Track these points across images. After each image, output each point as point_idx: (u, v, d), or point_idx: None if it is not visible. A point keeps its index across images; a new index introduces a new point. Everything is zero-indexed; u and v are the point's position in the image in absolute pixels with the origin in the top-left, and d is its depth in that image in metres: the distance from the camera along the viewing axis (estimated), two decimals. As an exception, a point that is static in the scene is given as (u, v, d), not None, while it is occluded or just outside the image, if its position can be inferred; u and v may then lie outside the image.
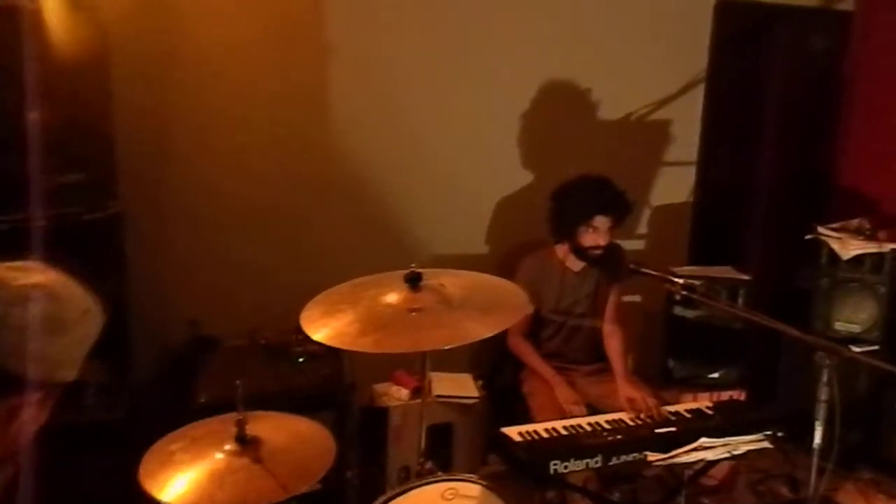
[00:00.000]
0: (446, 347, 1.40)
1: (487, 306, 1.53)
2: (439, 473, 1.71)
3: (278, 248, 2.99)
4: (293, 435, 1.56)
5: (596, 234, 2.72)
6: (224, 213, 2.93)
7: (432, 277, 1.57)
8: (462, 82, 3.17)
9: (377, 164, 3.09)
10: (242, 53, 2.86)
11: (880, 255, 3.17)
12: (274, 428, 1.58)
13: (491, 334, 1.48)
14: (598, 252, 2.75)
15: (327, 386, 2.67)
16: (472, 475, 1.66)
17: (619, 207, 2.73)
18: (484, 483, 1.62)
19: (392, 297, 1.54)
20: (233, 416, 1.52)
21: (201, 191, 2.89)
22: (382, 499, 1.58)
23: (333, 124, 3.02)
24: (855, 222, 3.31)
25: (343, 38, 2.96)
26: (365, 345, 1.40)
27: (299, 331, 2.78)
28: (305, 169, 3.01)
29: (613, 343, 2.92)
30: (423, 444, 1.78)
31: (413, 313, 1.47)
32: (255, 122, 2.92)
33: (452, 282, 1.58)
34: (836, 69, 3.68)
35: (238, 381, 1.51)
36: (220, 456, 1.49)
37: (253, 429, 1.55)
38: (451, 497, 1.53)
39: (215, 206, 2.92)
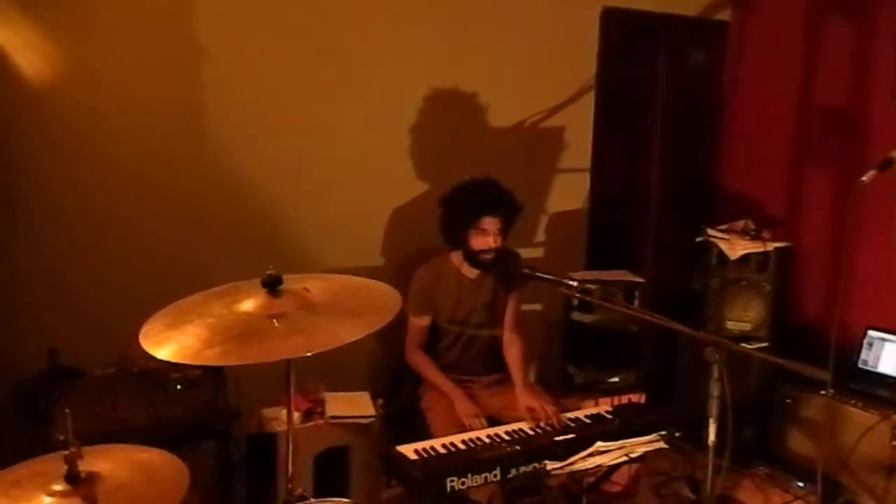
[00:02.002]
0: (308, 354, 1.26)
1: (355, 309, 1.40)
2: (310, 500, 1.55)
3: (150, 267, 2.74)
4: (139, 469, 1.37)
5: (485, 237, 2.66)
6: (87, 229, 2.66)
7: (296, 282, 1.43)
8: (348, 89, 3.04)
9: (259, 177, 2.90)
10: (107, 55, 2.63)
11: (765, 253, 3.28)
12: (116, 462, 1.38)
13: (358, 337, 1.34)
14: (489, 256, 2.69)
15: (207, 414, 2.45)
16: (344, 499, 1.51)
17: (507, 207, 2.69)
18: (357, 507, 1.47)
19: (248, 305, 1.38)
20: (63, 454, 1.31)
21: (58, 206, 2.61)
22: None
23: (210, 134, 2.81)
24: (740, 223, 3.42)
25: (217, 40, 2.77)
26: (209, 357, 1.24)
27: (176, 355, 2.61)
28: (178, 181, 2.79)
29: (513, 352, 2.84)
30: (290, 469, 1.61)
31: (273, 320, 1.32)
32: (119, 129, 2.67)
33: (318, 286, 1.44)
34: (717, 77, 3.81)
35: (67, 410, 1.30)
36: (48, 500, 1.28)
37: (90, 465, 1.35)
38: (320, 525, 1.38)
39: (76, 222, 2.65)
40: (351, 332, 1.33)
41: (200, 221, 2.84)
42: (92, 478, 1.31)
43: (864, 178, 1.70)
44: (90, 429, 2.25)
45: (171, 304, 1.47)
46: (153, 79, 2.70)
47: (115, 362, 2.57)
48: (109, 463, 1.39)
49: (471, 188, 2.69)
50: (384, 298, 1.50)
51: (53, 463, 1.35)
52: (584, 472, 2.45)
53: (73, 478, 1.28)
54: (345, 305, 1.41)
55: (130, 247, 2.73)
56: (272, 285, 1.39)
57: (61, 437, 2.17)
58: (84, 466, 1.34)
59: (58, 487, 1.28)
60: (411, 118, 3.20)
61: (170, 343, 1.34)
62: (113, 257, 2.70)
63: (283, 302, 1.38)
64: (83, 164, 2.64)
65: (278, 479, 2.55)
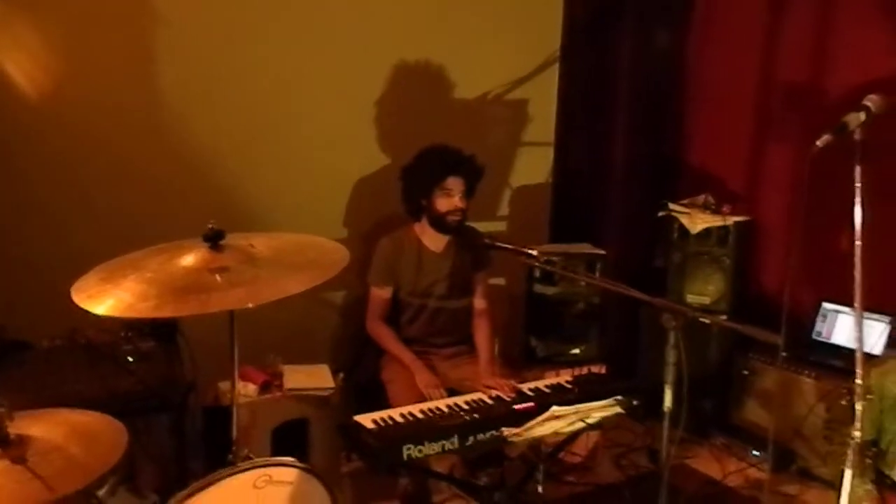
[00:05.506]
0: (250, 306, 1.22)
1: (301, 263, 1.37)
2: (254, 459, 1.52)
3: (101, 236, 2.65)
4: (74, 431, 1.32)
5: (451, 197, 2.67)
6: (33, 194, 2.57)
7: (241, 239, 1.39)
8: (311, 60, 2.98)
9: (215, 143, 2.84)
10: (59, 17, 2.53)
11: (725, 227, 3.30)
12: (52, 426, 1.33)
13: (302, 289, 1.31)
14: (456, 218, 2.69)
15: (161, 387, 2.39)
16: (288, 458, 1.49)
17: (470, 168, 2.71)
18: (301, 466, 1.45)
19: (189, 260, 1.34)
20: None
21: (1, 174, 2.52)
22: (183, 493, 1.37)
23: (168, 105, 2.74)
24: (701, 198, 3.44)
25: (175, 9, 2.69)
26: (143, 310, 1.20)
27: (128, 328, 2.55)
28: (133, 151, 2.71)
29: (482, 331, 2.84)
30: (235, 431, 1.58)
31: (215, 274, 1.28)
32: (69, 101, 2.58)
33: (264, 242, 1.40)
34: (681, 53, 3.81)
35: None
36: (-25, 463, 1.23)
37: (23, 428, 1.30)
38: (263, 485, 1.35)
39: (19, 186, 2.55)
40: (295, 284, 1.30)
41: (151, 195, 2.76)
42: (23, 440, 1.26)
43: (818, 143, 1.70)
44: (39, 402, 2.18)
45: (111, 260, 1.42)
46: (105, 40, 2.62)
47: (64, 335, 2.50)
48: (44, 426, 1.34)
49: (432, 153, 2.70)
50: (331, 254, 1.47)
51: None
52: (543, 440, 2.46)
53: (1, 439, 1.23)
54: (290, 260, 1.38)
55: (80, 213, 2.64)
56: (214, 239, 1.35)
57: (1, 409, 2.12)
58: (17, 430, 1.29)
59: (-15, 450, 1.23)
60: (375, 90, 3.15)
61: (104, 298, 1.29)
62: (60, 225, 2.62)
63: (226, 256, 1.34)
64: (29, 140, 2.54)
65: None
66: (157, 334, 2.50)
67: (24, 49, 2.50)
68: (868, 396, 1.54)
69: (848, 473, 1.57)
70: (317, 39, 2.98)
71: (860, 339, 1.57)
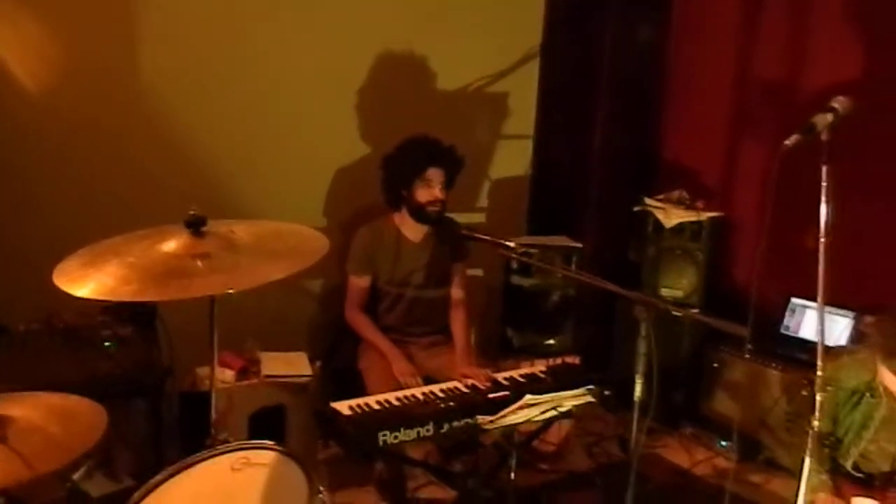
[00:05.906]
0: (230, 291, 1.24)
1: (280, 250, 1.40)
2: (232, 442, 1.54)
3: (79, 219, 2.64)
4: (54, 413, 1.34)
5: (431, 188, 2.70)
6: (12, 182, 2.55)
7: (222, 226, 1.41)
8: (295, 52, 2.98)
9: (196, 129, 2.84)
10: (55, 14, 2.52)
11: (699, 223, 3.37)
12: (31, 408, 1.35)
13: (281, 276, 1.34)
14: (436, 208, 2.72)
15: (138, 372, 2.41)
16: (266, 441, 1.52)
17: (450, 159, 2.74)
18: (280, 449, 1.47)
19: (170, 245, 1.36)
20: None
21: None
22: (161, 476, 1.39)
23: (155, 93, 2.73)
24: (676, 193, 3.50)
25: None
26: (125, 294, 1.22)
27: (105, 313, 2.54)
28: (118, 137, 2.70)
29: (458, 321, 2.87)
30: (213, 413, 1.60)
31: (196, 260, 1.30)
32: (56, 87, 2.57)
33: (244, 229, 1.43)
34: (661, 49, 3.85)
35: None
36: (-45, 442, 1.24)
37: (2, 409, 1.31)
38: (240, 467, 1.37)
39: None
40: (275, 271, 1.32)
41: (132, 178, 2.75)
42: (2, 420, 1.27)
43: (787, 142, 1.75)
44: (16, 385, 2.19)
45: (91, 245, 1.43)
46: (87, 22, 2.60)
47: (41, 318, 2.49)
48: (24, 407, 1.35)
49: (414, 143, 2.72)
50: (310, 241, 1.50)
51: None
52: (517, 427, 2.51)
53: (-21, 420, 1.24)
54: (270, 247, 1.41)
55: (60, 197, 2.63)
56: (195, 225, 1.37)
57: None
58: (-5, 410, 1.31)
59: (-35, 430, 1.24)
60: (356, 80, 3.16)
61: (86, 281, 1.30)
62: (39, 208, 2.60)
63: (207, 243, 1.37)
64: (8, 118, 2.52)
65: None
66: (135, 319, 2.50)
67: (14, 37, 2.47)
68: (827, 388, 1.60)
69: (807, 462, 1.62)
70: (301, 32, 2.98)
71: (822, 332, 1.63)
